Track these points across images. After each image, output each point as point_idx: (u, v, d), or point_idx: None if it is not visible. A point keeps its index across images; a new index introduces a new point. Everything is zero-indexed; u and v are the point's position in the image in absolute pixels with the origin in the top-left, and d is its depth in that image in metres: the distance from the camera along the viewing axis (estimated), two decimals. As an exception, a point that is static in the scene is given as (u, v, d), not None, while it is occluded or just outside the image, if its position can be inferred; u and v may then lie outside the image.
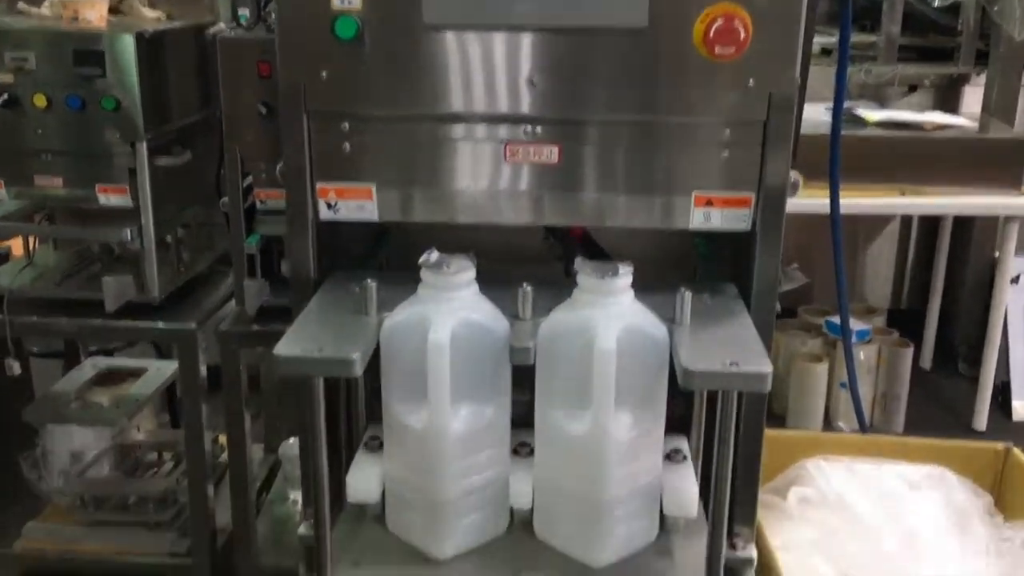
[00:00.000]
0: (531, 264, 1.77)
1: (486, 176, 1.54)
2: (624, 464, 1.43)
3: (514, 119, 1.50)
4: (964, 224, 3.83)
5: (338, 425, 1.64)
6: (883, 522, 2.05)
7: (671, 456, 1.55)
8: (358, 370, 1.35)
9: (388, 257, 1.82)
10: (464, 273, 1.44)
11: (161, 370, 2.81)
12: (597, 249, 1.76)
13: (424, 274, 1.45)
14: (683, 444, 1.60)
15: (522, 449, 1.55)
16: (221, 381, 2.35)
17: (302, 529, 1.55)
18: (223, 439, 2.51)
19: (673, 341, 1.42)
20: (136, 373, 2.82)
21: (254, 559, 2.51)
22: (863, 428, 2.43)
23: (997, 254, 3.47)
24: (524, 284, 1.47)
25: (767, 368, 1.33)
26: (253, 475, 2.51)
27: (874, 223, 4.08)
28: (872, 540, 2.01)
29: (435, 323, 1.39)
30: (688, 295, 1.45)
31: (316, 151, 1.53)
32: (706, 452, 1.63)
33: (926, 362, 3.88)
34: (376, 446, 1.56)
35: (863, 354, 3.43)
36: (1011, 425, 3.57)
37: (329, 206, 1.56)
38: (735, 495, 1.48)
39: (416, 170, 1.54)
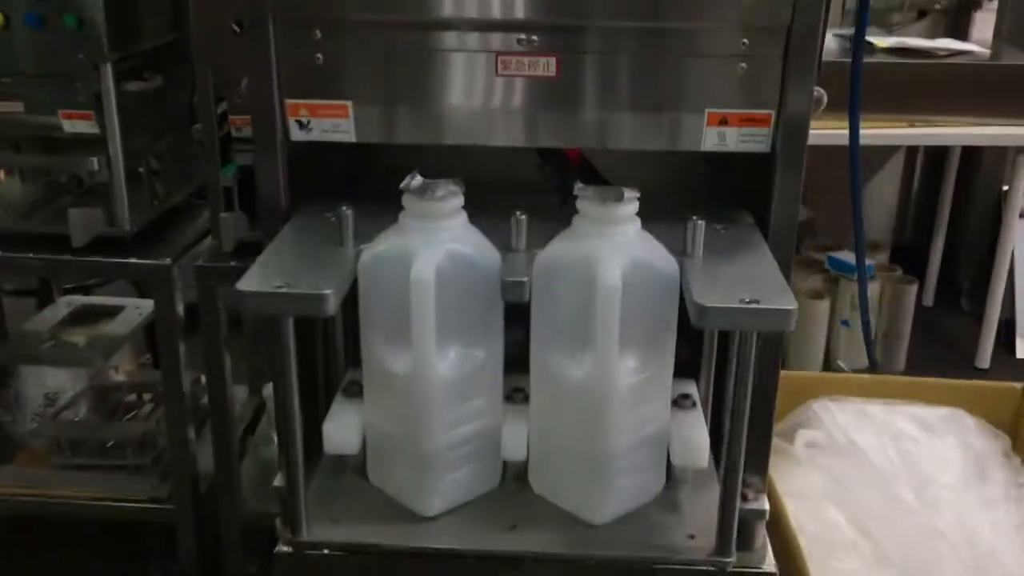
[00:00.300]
0: (526, 193, 1.59)
1: (476, 92, 1.35)
2: (629, 412, 1.26)
3: (508, 26, 1.31)
4: (971, 156, 3.63)
5: (315, 368, 1.47)
6: (897, 468, 1.89)
7: (679, 402, 1.38)
8: (331, 308, 1.17)
9: (367, 186, 1.63)
10: (451, 200, 1.26)
11: (140, 308, 2.63)
12: (596, 176, 1.57)
13: (406, 200, 1.26)
14: (692, 389, 1.43)
15: (516, 395, 1.37)
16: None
17: (278, 480, 1.38)
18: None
19: (684, 275, 1.24)
20: (113, 312, 2.65)
21: (239, 504, 2.35)
22: (873, 366, 2.26)
23: (1006, 187, 3.29)
24: (517, 212, 1.29)
25: (791, 304, 1.15)
26: (236, 417, 2.35)
27: (877, 154, 3.88)
28: (886, 488, 1.85)
29: (418, 256, 1.21)
30: (701, 225, 1.27)
31: (284, 63, 1.34)
32: (716, 397, 1.46)
33: (928, 299, 3.71)
34: (356, 392, 1.38)
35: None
36: (1015, 363, 3.41)
37: (301, 125, 1.37)
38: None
39: (398, 85, 1.35)
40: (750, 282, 1.21)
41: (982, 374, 3.30)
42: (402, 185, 1.26)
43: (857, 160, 1.86)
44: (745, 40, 1.31)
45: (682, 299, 1.25)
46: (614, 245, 1.23)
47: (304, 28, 1.32)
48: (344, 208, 1.29)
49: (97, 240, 2.16)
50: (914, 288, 3.31)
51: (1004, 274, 3.28)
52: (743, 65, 1.32)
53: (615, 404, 1.24)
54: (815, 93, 1.33)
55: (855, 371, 3.11)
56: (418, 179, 1.27)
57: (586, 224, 1.25)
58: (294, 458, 1.28)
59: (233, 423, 2.32)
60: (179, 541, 2.39)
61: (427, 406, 1.26)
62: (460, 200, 1.27)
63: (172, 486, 2.38)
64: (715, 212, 1.41)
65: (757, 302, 1.14)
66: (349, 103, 1.35)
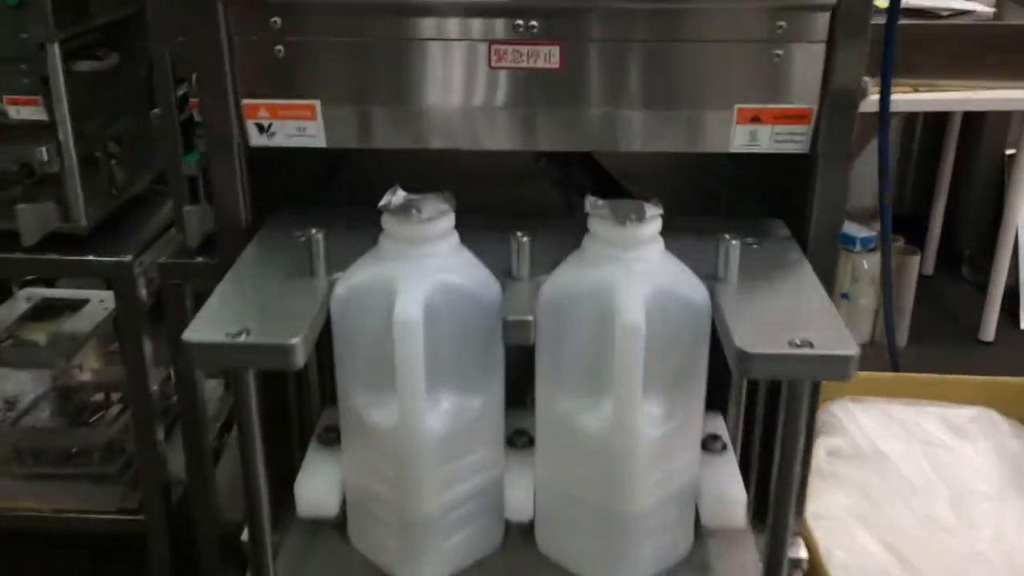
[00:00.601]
0: (520, 189, 1.37)
1: (465, 88, 1.11)
2: (654, 468, 1.04)
3: (503, 10, 1.07)
4: (973, 120, 3.41)
5: (286, 404, 1.24)
6: (930, 480, 1.69)
7: (707, 444, 1.16)
8: (299, 360, 0.94)
9: (342, 193, 1.40)
10: (440, 221, 1.03)
11: (104, 301, 2.38)
12: (602, 173, 1.35)
13: (387, 222, 1.04)
14: (720, 426, 1.21)
15: (518, 439, 1.16)
16: (167, 313, 1.95)
17: (245, 536, 1.16)
18: (178, 376, 2.12)
19: (717, 306, 1.02)
20: (76, 305, 2.40)
21: (215, 511, 2.13)
22: (896, 366, 2.05)
23: (1012, 151, 3.07)
24: (519, 234, 1.06)
25: (851, 349, 0.94)
26: (209, 417, 2.13)
27: (874, 120, 3.64)
28: (919, 502, 1.65)
29: (402, 290, 0.99)
30: (735, 246, 1.05)
31: (240, 57, 1.11)
32: (746, 428, 1.25)
33: (928, 268, 3.50)
34: (333, 439, 1.16)
35: (866, 263, 3.05)
36: (1020, 334, 3.22)
37: (261, 129, 1.14)
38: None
39: (374, 80, 1.12)
40: (797, 317, 0.99)
41: (987, 347, 3.10)
42: (381, 204, 1.03)
43: (886, 130, 1.66)
44: (782, 23, 1.08)
45: (713, 331, 1.03)
46: (634, 272, 1.01)
47: (260, 14, 1.09)
48: (314, 231, 1.06)
49: (51, 236, 1.92)
50: (917, 259, 3.11)
51: (1010, 242, 3.07)
52: (779, 52, 1.09)
53: (638, 459, 1.02)
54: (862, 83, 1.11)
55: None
56: (400, 195, 1.04)
57: (600, 247, 1.03)
58: (260, 525, 1.06)
59: (206, 425, 2.08)
60: (151, 553, 2.17)
61: (416, 466, 1.04)
62: (450, 220, 1.04)
63: (142, 495, 2.16)
64: (742, 220, 1.19)
65: (810, 345, 0.93)
66: (316, 103, 1.12)
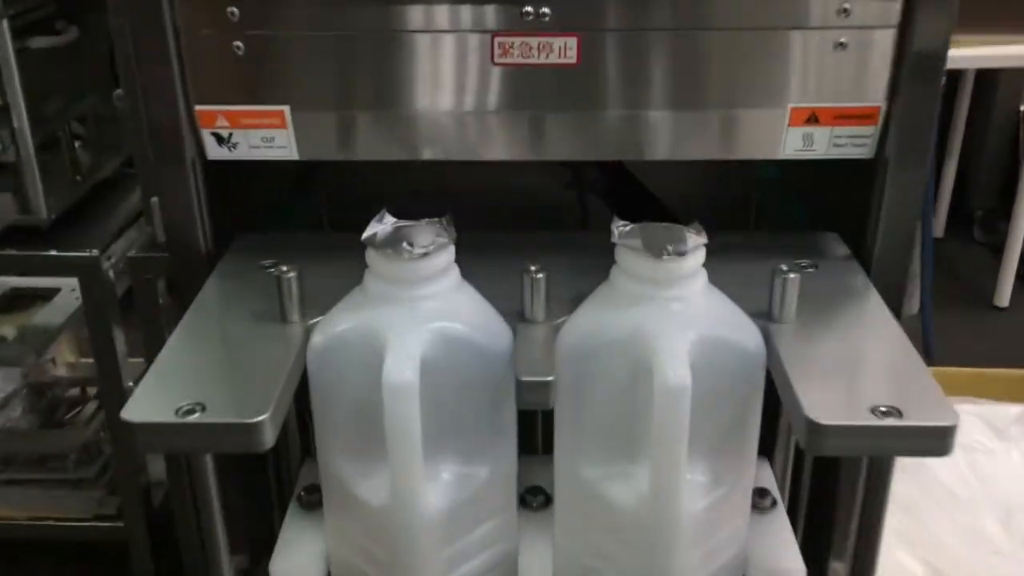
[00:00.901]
0: (528, 195, 1.16)
1: (463, 89, 0.91)
2: (697, 543, 0.85)
3: (509, -3, 0.87)
4: (987, 76, 3.19)
5: (262, 456, 1.05)
6: (974, 491, 1.51)
7: (755, 501, 0.96)
8: (266, 439, 0.74)
9: (322, 206, 1.19)
10: (437, 256, 0.82)
11: (76, 290, 2.19)
12: (625, 177, 1.14)
13: (372, 259, 0.83)
14: (769, 478, 1.02)
15: (533, 499, 0.96)
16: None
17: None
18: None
19: (774, 354, 0.82)
20: (47, 295, 2.20)
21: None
22: (929, 357, 1.86)
23: (1026, 109, 2.87)
24: (532, 268, 0.86)
25: (949, 419, 0.74)
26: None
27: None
28: (965, 519, 1.47)
29: (393, 344, 0.79)
30: (794, 280, 0.84)
31: (191, 55, 0.89)
32: (795, 474, 1.06)
33: (939, 230, 3.30)
34: (315, 502, 0.96)
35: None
36: (1036, 299, 3.03)
37: (220, 139, 0.93)
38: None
39: (354, 81, 0.91)
40: (875, 370, 0.80)
41: (1002, 313, 2.92)
42: (366, 236, 0.82)
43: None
44: (846, 5, 0.87)
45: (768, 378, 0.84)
46: (674, 315, 0.81)
47: (214, 3, 0.87)
48: (285, 269, 0.85)
49: (9, 229, 1.71)
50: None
51: (1027, 202, 2.87)
52: (842, 41, 0.88)
53: (679, 535, 0.83)
54: (937, 72, 0.90)
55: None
56: (388, 222, 0.83)
57: (631, 283, 0.83)
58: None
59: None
60: (132, 561, 1.99)
61: (412, 550, 0.84)
62: (450, 253, 0.84)
63: (121, 500, 1.97)
64: (789, 234, 0.99)
65: (898, 413, 0.73)
66: (285, 109, 0.91)
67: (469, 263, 0.86)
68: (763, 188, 1.17)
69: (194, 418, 0.73)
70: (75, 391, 2.23)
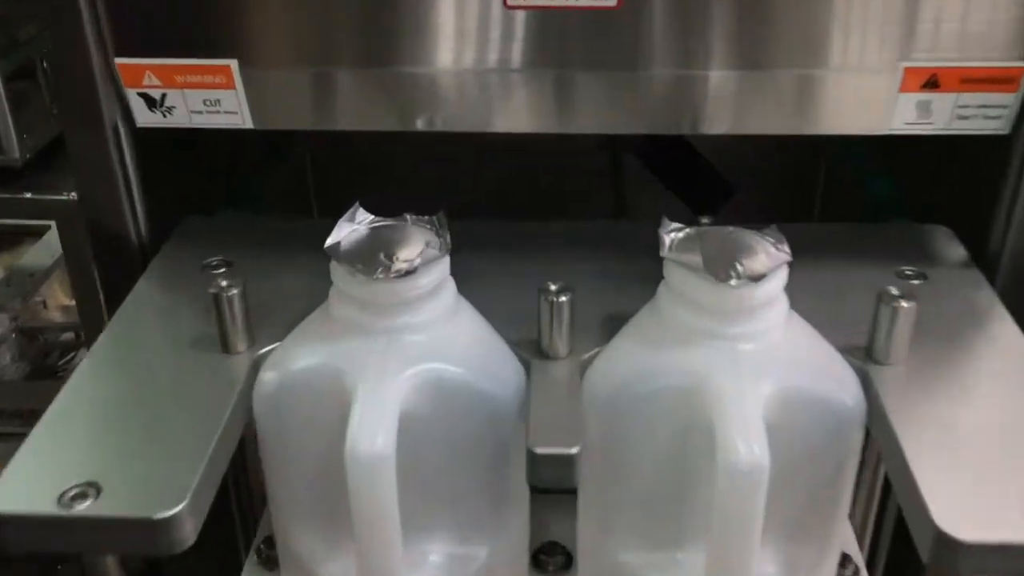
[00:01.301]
0: (546, 160, 0.92)
1: (469, 39, 0.66)
2: (765, 650, 0.63)
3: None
4: None
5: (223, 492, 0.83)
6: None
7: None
8: (182, 537, 0.52)
9: (290, 177, 0.95)
10: (426, 273, 0.59)
11: (67, 228, 1.98)
12: (685, 153, 0.90)
13: (338, 276, 0.60)
14: (847, 533, 0.79)
15: (549, 560, 0.74)
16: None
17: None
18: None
19: (880, 413, 0.59)
20: (39, 231, 1.99)
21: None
22: None
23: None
24: (552, 287, 0.62)
25: None
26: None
27: None
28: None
29: (362, 398, 0.56)
30: (908, 309, 0.60)
31: (106, -6, 0.66)
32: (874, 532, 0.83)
33: None
34: (276, 559, 0.75)
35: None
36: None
37: (151, 102, 0.69)
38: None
39: (324, 30, 0.66)
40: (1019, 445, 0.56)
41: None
42: (329, 243, 0.59)
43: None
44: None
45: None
46: (745, 361, 0.57)
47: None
48: (225, 283, 0.62)
49: (-20, 169, 1.49)
50: None
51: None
52: (976, -21, 0.63)
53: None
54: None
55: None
56: (361, 221, 0.60)
57: (685, 311, 0.59)
58: None
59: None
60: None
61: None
62: (443, 268, 0.61)
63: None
64: (882, 228, 0.75)
65: (1064, 525, 0.50)
66: (232, 63, 0.67)
67: (470, 268, 0.63)
68: (838, 155, 0.92)
69: (82, 508, 0.51)
70: (69, 335, 2.03)
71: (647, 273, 0.62)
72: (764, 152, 0.93)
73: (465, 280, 0.63)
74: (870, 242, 0.75)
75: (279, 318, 0.65)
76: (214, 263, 0.71)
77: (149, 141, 0.72)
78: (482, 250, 0.70)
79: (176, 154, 0.77)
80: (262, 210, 0.88)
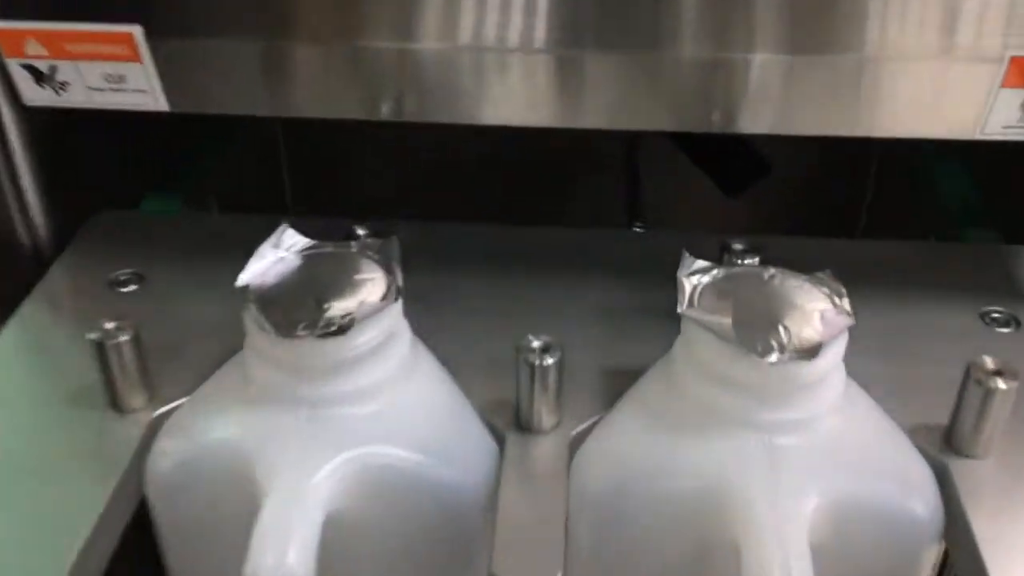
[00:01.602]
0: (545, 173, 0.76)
1: (458, 12, 0.50)
2: None
3: None
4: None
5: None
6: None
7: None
8: None
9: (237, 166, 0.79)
10: (369, 329, 0.44)
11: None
12: (733, 148, 0.73)
13: (253, 330, 0.45)
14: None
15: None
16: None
17: None
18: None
19: (959, 516, 0.44)
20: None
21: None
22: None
23: None
24: (534, 343, 0.47)
25: None
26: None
27: None
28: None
29: (273, 500, 0.41)
30: (1008, 391, 0.44)
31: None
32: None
33: None
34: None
35: None
36: None
37: (39, 76, 0.53)
38: None
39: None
40: None
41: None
42: (239, 283, 0.44)
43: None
44: None
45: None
46: (786, 459, 0.42)
47: None
48: (113, 328, 0.46)
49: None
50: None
51: None
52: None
53: None
54: None
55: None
56: (287, 245, 0.45)
57: (707, 385, 0.44)
58: None
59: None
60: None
61: None
62: (394, 317, 0.45)
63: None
64: (950, 246, 0.59)
65: None
66: (136, 29, 0.51)
67: (443, 289, 0.48)
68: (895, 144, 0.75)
69: None
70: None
71: (665, 307, 0.46)
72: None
73: (435, 308, 0.48)
74: (943, 267, 0.59)
75: (192, 360, 0.50)
76: (122, 278, 0.56)
77: (48, 121, 0.56)
78: (463, 264, 0.55)
79: (92, 134, 0.61)
80: (210, 201, 0.73)
